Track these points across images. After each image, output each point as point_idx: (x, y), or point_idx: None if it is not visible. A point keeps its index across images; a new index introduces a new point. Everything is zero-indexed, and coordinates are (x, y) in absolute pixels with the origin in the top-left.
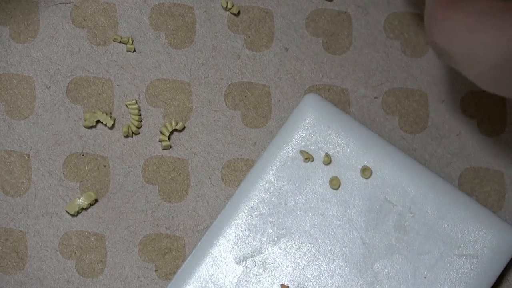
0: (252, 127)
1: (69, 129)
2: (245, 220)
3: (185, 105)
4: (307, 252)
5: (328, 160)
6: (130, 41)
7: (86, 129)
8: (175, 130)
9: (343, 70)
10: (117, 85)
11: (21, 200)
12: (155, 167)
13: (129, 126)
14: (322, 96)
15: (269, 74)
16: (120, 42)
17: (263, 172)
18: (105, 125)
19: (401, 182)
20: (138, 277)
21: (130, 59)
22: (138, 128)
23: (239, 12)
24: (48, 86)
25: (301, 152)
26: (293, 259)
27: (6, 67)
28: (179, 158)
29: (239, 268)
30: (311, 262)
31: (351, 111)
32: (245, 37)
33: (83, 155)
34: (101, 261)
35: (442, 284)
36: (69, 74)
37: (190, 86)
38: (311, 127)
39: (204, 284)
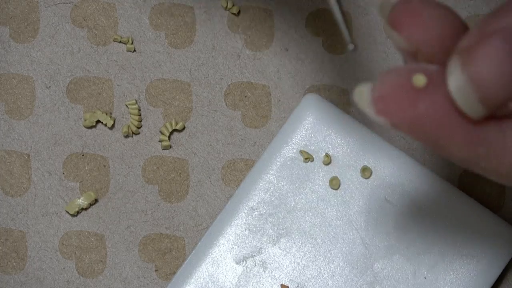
0: (252, 127)
1: (69, 129)
2: (245, 220)
3: (185, 105)
4: (307, 252)
5: (328, 160)
6: (130, 41)
7: (86, 129)
8: (175, 130)
9: (343, 70)
10: (117, 85)
11: (21, 200)
12: (155, 167)
13: (129, 126)
14: (322, 96)
15: (269, 74)
16: (120, 42)
17: (263, 172)
18: (105, 125)
19: (401, 182)
20: (138, 277)
21: (130, 59)
22: (138, 128)
23: (239, 12)
24: (48, 86)
25: (301, 152)
26: (293, 259)
27: (6, 67)
28: (179, 158)
29: (239, 268)
30: (311, 262)
31: (351, 111)
32: (245, 37)
33: (83, 155)
34: (101, 261)
35: (442, 284)
36: (69, 74)
37: (190, 86)
38: (311, 127)
39: (204, 284)
